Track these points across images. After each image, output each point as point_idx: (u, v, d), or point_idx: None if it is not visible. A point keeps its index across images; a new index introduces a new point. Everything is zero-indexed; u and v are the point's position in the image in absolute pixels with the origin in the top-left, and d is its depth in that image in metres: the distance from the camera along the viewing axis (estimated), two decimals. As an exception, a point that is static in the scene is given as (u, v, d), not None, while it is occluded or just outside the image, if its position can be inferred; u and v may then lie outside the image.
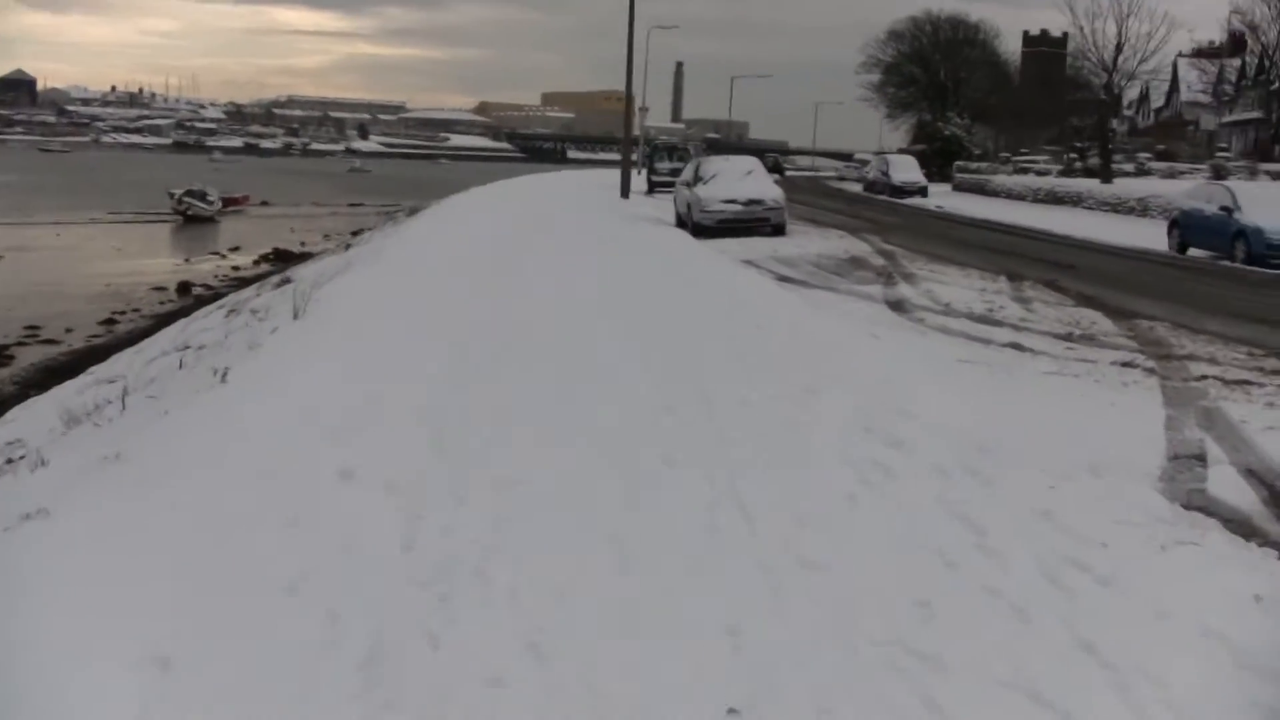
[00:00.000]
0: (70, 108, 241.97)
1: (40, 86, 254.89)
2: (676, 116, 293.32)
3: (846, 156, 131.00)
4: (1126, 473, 8.23)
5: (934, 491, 7.45)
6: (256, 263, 50.43)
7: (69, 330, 31.91)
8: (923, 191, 58.40)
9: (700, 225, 30.02)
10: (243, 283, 42.00)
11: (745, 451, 8.22)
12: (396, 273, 16.60)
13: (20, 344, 29.98)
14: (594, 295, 15.53)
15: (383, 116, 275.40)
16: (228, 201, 78.29)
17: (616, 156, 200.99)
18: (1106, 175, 52.65)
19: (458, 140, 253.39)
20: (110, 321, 33.90)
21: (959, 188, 65.69)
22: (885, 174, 60.84)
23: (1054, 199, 51.13)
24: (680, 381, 10.26)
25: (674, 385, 10.10)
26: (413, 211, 39.41)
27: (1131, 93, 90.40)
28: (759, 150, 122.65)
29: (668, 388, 10.02)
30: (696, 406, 9.43)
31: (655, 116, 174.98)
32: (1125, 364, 13.06)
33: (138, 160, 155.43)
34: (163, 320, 32.72)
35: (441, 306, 13.62)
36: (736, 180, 31.21)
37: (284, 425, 7.96)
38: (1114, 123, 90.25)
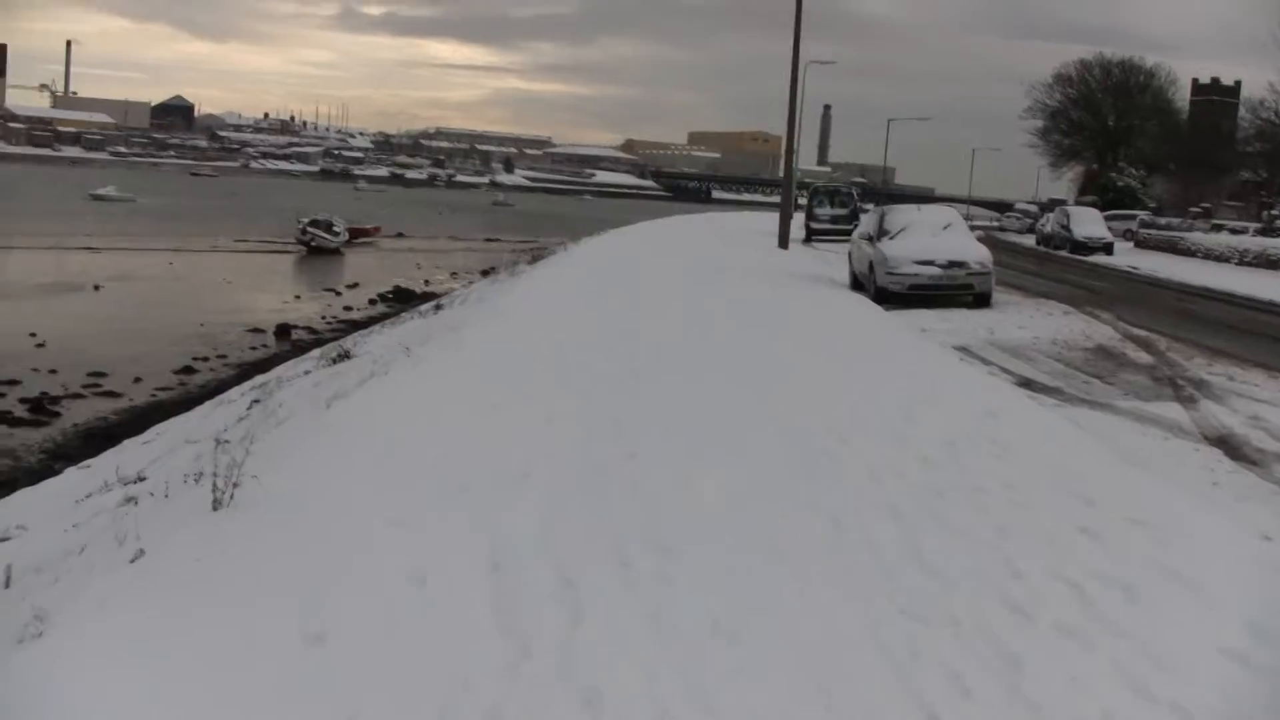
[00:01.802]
0: (223, 133, 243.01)
1: (197, 113, 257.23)
2: (823, 159, 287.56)
3: (1004, 206, 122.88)
4: None
5: None
6: (373, 301, 46.21)
7: (137, 380, 27.75)
8: (1108, 248, 51.27)
9: (886, 290, 23.56)
10: (352, 326, 37.46)
11: None
12: (462, 377, 10.53)
13: (76, 395, 25.93)
14: (766, 440, 9.36)
15: (529, 151, 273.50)
16: (356, 233, 73.86)
17: (762, 198, 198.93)
18: (1331, 238, 45.27)
19: (602, 176, 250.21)
20: (187, 370, 29.64)
21: (1142, 244, 58.34)
22: (1066, 227, 53.59)
23: (1267, 263, 43.81)
24: None
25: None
26: (536, 258, 33.38)
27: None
28: (905, 197, 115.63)
29: None
30: None
31: (802, 159, 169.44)
32: None
33: (283, 187, 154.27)
34: (245, 372, 28.00)
35: (512, 452, 7.77)
36: (932, 236, 24.63)
37: None
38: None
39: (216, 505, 6.28)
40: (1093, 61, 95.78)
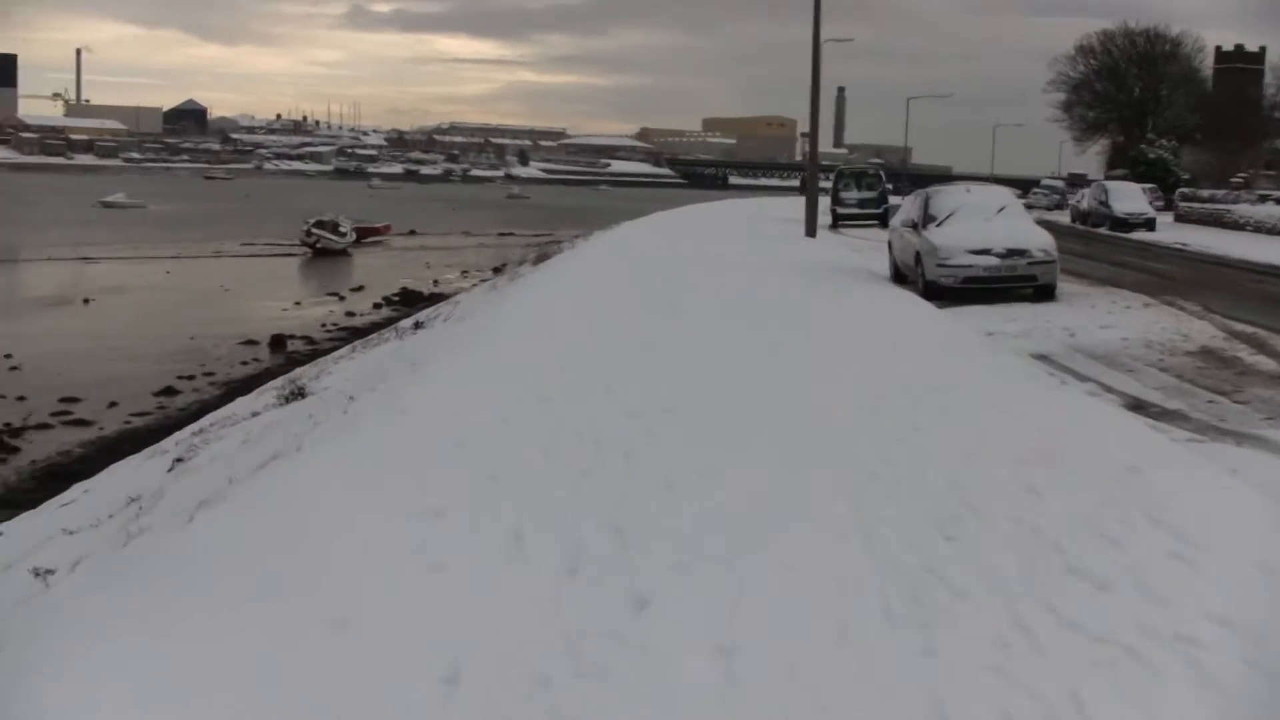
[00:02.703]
0: (235, 135, 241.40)
1: (209, 116, 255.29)
2: (839, 142, 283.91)
3: (1028, 183, 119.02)
4: None
5: None
6: (377, 306, 43.77)
7: (112, 405, 25.23)
8: (1150, 224, 47.87)
9: (936, 285, 20.35)
10: (353, 333, 35.00)
11: None
12: (396, 455, 7.33)
13: (42, 426, 23.44)
14: (842, 554, 6.28)
15: (544, 143, 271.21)
16: (365, 232, 71.33)
17: (779, 182, 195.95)
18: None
19: (618, 166, 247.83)
20: (169, 392, 27.45)
21: (1183, 218, 54.90)
22: (1104, 203, 50.01)
23: (1331, 235, 40.57)
24: None
25: None
26: (541, 258, 30.30)
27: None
28: (923, 177, 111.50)
29: None
30: None
31: (818, 142, 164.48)
32: None
33: (297, 187, 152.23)
34: (230, 392, 25.53)
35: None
36: (985, 220, 21.27)
37: None
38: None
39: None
40: (1116, 31, 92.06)
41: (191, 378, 28.61)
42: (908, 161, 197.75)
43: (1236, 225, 48.20)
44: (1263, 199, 53.99)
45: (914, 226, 21.91)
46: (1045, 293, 20.44)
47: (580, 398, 9.48)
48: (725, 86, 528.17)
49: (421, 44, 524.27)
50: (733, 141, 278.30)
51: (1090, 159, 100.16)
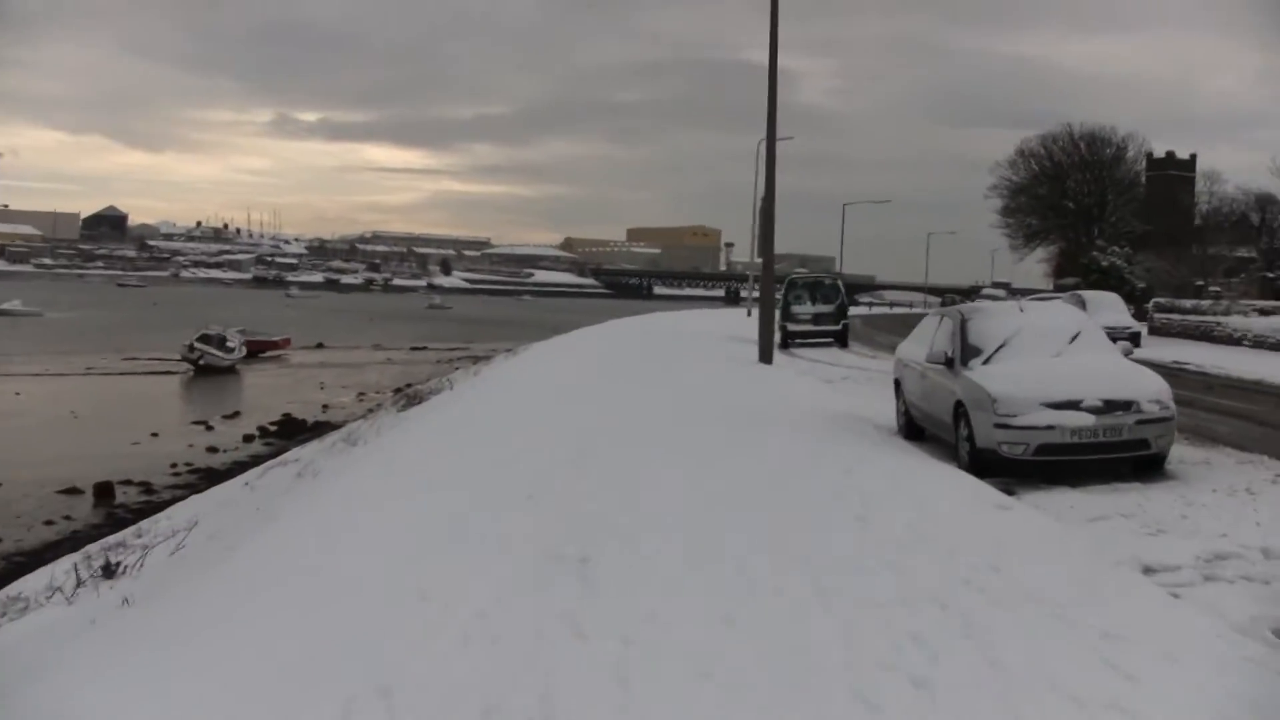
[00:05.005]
0: (153, 242, 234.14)
1: (130, 222, 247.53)
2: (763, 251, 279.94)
3: (962, 292, 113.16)
4: None
5: None
6: (249, 438, 36.25)
7: None
8: (1135, 339, 41.04)
9: (993, 455, 12.98)
10: (207, 477, 27.83)
11: None
12: None
13: None
14: None
15: (468, 252, 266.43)
16: (260, 346, 64.33)
17: (704, 292, 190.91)
18: None
19: (542, 276, 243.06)
20: None
21: (1159, 331, 48.40)
22: (1082, 317, 43.32)
23: (1350, 351, 34.05)
24: None
25: None
26: (409, 402, 22.68)
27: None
28: (850, 286, 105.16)
29: None
30: None
31: (740, 252, 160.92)
32: None
33: (212, 295, 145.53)
34: (12, 571, 18.28)
35: None
36: (1055, 355, 13.99)
37: None
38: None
39: None
40: (1058, 134, 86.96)
41: (-36, 549, 21.48)
42: (831, 270, 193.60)
43: (1230, 339, 41.76)
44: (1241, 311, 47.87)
45: (947, 364, 14.46)
46: (1153, 465, 13.13)
47: None
48: (651, 196, 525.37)
49: (348, 152, 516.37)
50: (657, 251, 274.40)
51: (1029, 266, 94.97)
